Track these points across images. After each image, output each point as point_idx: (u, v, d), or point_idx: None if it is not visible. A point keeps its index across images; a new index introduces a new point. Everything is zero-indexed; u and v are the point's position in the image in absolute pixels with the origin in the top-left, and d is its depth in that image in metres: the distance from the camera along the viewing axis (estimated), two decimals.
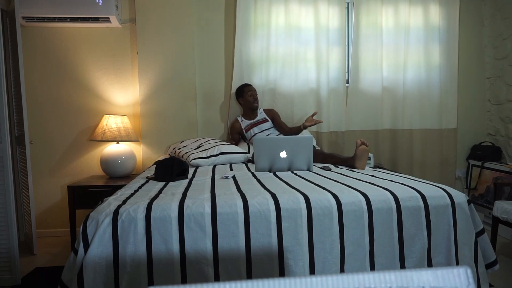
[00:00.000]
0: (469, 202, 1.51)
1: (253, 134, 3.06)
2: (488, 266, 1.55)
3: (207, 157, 2.50)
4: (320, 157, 2.55)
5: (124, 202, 1.40)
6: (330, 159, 2.53)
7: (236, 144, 3.15)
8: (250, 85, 3.13)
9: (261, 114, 3.14)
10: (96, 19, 3.04)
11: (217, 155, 2.53)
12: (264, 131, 3.06)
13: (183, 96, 3.27)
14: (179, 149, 2.83)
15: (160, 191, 1.58)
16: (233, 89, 3.29)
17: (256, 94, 3.10)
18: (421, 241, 1.43)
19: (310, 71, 3.40)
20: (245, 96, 3.07)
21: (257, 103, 3.10)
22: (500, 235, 2.93)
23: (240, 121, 3.15)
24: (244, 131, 3.11)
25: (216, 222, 1.32)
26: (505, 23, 3.45)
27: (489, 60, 3.65)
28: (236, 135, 3.16)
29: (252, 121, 3.10)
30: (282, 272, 1.32)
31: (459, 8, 3.50)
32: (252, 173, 2.07)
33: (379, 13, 3.42)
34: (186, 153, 2.63)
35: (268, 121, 3.11)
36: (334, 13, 3.37)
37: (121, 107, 3.31)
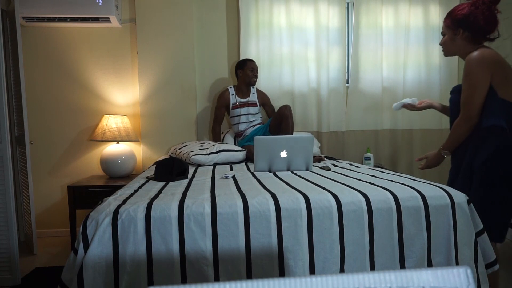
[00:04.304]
0: (469, 202, 1.51)
1: (238, 114, 3.04)
2: (488, 266, 1.55)
3: (207, 154, 2.51)
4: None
5: (124, 202, 1.40)
6: None
7: (221, 120, 3.12)
8: (253, 61, 3.08)
9: (253, 96, 3.10)
10: (96, 19, 3.04)
11: (216, 152, 2.54)
12: (249, 115, 3.05)
13: (183, 96, 3.28)
14: (179, 148, 2.83)
15: (160, 191, 1.58)
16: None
17: (257, 72, 3.06)
18: (421, 241, 1.43)
19: (310, 71, 3.40)
20: (245, 69, 3.00)
21: (255, 80, 3.05)
22: None
23: (230, 94, 3.07)
24: (231, 106, 3.06)
25: (216, 222, 1.31)
26: (505, 23, 3.45)
27: None
28: (223, 109, 3.11)
29: (243, 100, 3.05)
30: (282, 272, 1.32)
31: None
32: (252, 173, 2.07)
33: (379, 13, 3.43)
34: (187, 152, 2.63)
35: (257, 105, 3.08)
36: (334, 13, 3.37)
37: (121, 107, 3.31)
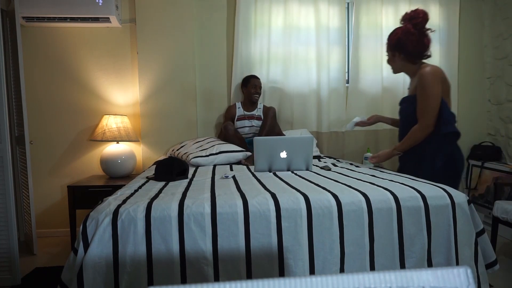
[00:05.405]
0: (469, 202, 1.51)
1: (242, 125, 3.08)
2: (488, 266, 1.55)
3: (207, 156, 2.51)
4: None
5: (124, 201, 1.40)
6: None
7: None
8: (257, 78, 3.14)
9: (259, 110, 3.15)
10: (96, 19, 3.04)
11: (216, 153, 2.54)
12: (253, 127, 3.09)
13: (183, 96, 3.27)
14: (177, 150, 2.83)
15: (160, 191, 1.58)
16: (233, 88, 3.31)
17: (260, 89, 3.12)
18: (421, 241, 1.43)
19: (311, 71, 3.40)
20: (249, 87, 3.09)
21: (257, 97, 3.10)
22: (500, 235, 2.93)
23: (237, 107, 3.15)
24: (236, 117, 3.11)
25: (216, 222, 1.31)
26: (505, 23, 3.44)
27: (489, 60, 3.65)
28: (229, 121, 3.15)
29: (248, 113, 3.11)
30: (282, 272, 1.32)
31: (459, 8, 3.50)
32: (252, 173, 2.07)
33: (379, 13, 3.43)
34: (186, 153, 2.63)
35: (261, 119, 3.12)
36: (334, 13, 3.37)
37: (121, 107, 3.31)
